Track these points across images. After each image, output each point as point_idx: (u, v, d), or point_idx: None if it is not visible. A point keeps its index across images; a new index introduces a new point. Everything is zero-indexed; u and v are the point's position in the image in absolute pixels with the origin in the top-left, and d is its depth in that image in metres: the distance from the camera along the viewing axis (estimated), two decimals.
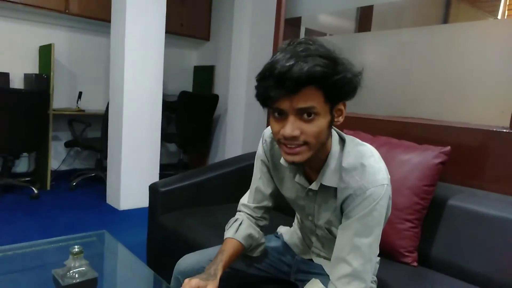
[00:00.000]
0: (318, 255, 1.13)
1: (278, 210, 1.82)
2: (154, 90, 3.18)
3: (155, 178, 3.22)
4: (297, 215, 1.21)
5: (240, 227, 1.09)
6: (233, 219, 1.14)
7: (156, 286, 1.29)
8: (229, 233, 1.09)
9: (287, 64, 0.75)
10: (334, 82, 0.77)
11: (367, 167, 0.86)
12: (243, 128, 3.46)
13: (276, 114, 0.81)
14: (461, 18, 1.87)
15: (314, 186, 0.94)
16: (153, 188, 1.78)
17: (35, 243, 1.55)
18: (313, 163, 0.92)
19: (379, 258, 1.12)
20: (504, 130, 1.48)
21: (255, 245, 1.13)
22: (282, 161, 0.97)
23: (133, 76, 3.03)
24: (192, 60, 4.96)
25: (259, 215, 1.14)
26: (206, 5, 4.54)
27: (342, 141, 0.92)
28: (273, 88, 0.77)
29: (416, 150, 1.44)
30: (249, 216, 1.14)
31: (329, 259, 1.08)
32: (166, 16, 3.15)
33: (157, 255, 1.78)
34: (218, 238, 1.43)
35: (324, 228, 1.00)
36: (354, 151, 0.90)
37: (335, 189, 0.91)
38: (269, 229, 1.30)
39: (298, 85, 0.75)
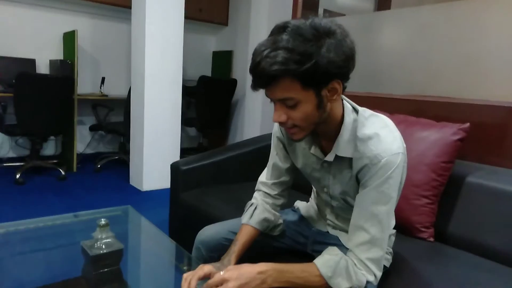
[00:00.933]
0: (334, 227, 1.15)
1: (295, 188, 1.85)
2: (174, 75, 3.24)
3: (176, 157, 3.29)
4: (314, 189, 1.24)
5: (255, 213, 1.12)
6: (249, 203, 1.17)
7: (178, 256, 1.34)
8: (244, 219, 1.13)
9: (257, 59, 0.78)
10: (306, 70, 0.76)
11: (382, 137, 0.87)
12: (261, 112, 3.48)
13: (270, 101, 0.87)
14: None
15: (329, 157, 0.96)
16: (174, 167, 1.84)
17: (64, 216, 1.62)
18: (327, 134, 0.94)
19: (395, 230, 1.15)
20: None
21: (272, 226, 1.16)
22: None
23: (154, 61, 3.09)
24: (211, 45, 4.98)
25: (277, 193, 1.17)
26: None
27: (356, 111, 0.94)
28: (253, 81, 0.82)
29: (434, 127, 1.44)
30: (267, 196, 1.17)
31: (345, 231, 1.11)
32: (185, 1, 3.18)
33: (178, 230, 1.84)
34: (236, 212, 1.47)
35: (340, 198, 1.02)
36: (368, 121, 0.91)
37: (350, 159, 0.92)
38: (286, 205, 1.34)
39: (268, 80, 0.79)
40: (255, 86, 0.82)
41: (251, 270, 0.84)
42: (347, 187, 0.98)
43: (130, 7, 3.23)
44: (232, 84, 4.21)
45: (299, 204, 1.30)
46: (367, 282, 0.87)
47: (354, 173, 0.92)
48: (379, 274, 0.89)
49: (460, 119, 1.46)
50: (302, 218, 1.24)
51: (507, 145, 1.49)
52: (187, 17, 3.40)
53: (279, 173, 1.15)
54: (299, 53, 0.76)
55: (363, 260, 0.87)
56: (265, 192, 1.17)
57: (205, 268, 0.93)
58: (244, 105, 4.13)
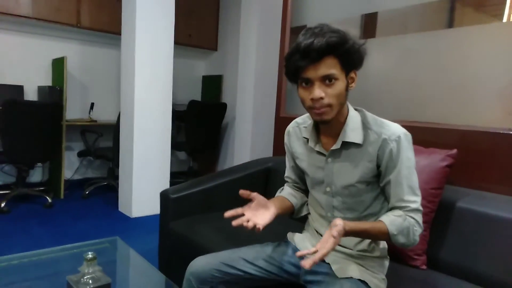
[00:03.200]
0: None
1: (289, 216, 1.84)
2: (164, 99, 3.24)
3: (166, 185, 3.26)
4: (311, 210, 1.26)
5: (284, 190, 1.32)
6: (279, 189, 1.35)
7: None
8: (276, 195, 1.31)
9: (309, 40, 0.95)
10: (347, 50, 0.97)
11: (388, 122, 1.07)
12: (251, 135, 3.49)
13: (304, 84, 1.01)
14: (466, 22, 1.87)
15: (336, 146, 1.09)
16: (164, 195, 1.81)
17: (49, 250, 1.58)
18: (333, 127, 1.09)
19: (388, 257, 1.17)
20: (511, 132, 1.48)
21: (299, 204, 1.29)
22: (304, 134, 1.19)
23: (144, 86, 3.10)
24: (201, 70, 5.03)
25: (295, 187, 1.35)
26: (214, 16, 4.62)
27: (358, 110, 1.12)
28: (301, 59, 0.97)
29: (422, 154, 1.45)
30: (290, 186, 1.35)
31: (340, 252, 1.13)
32: (175, 27, 3.22)
33: (168, 261, 1.80)
34: (228, 243, 1.46)
35: (343, 191, 1.11)
36: (370, 114, 1.11)
37: (356, 146, 1.06)
38: (279, 236, 1.33)
39: (319, 54, 0.95)
40: (307, 61, 0.96)
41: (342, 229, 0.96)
42: (352, 174, 1.08)
43: (119, 33, 3.26)
44: (222, 108, 4.23)
45: (292, 235, 1.29)
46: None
47: (374, 152, 1.05)
48: (421, 231, 1.05)
49: (448, 145, 1.48)
50: (294, 249, 1.22)
51: (494, 171, 1.51)
52: (177, 42, 3.44)
53: (292, 181, 1.35)
54: (340, 36, 0.96)
55: (417, 220, 1.04)
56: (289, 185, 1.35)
57: (259, 197, 1.12)
58: (234, 129, 4.15)
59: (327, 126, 1.10)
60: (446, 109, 1.74)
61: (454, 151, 1.42)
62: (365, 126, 1.07)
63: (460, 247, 1.35)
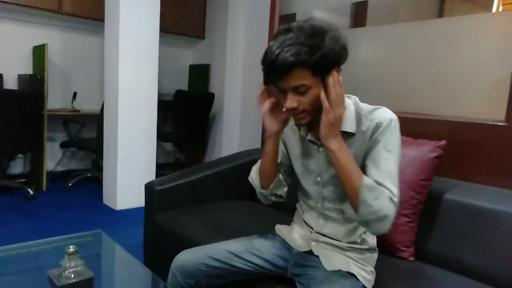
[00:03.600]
0: (318, 242, 1.13)
1: (277, 208, 1.83)
2: (150, 89, 3.17)
3: (152, 177, 3.21)
4: (300, 202, 1.23)
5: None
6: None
7: (153, 285, 1.29)
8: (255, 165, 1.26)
9: (274, 55, 0.94)
10: (315, 60, 0.93)
11: (382, 108, 1.06)
12: (239, 126, 3.46)
13: (279, 92, 1.01)
14: (456, 12, 1.86)
15: None
16: (149, 187, 1.77)
17: (30, 244, 1.54)
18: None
19: (377, 249, 1.16)
20: (500, 124, 1.48)
21: (277, 182, 1.21)
22: (290, 125, 1.18)
23: (128, 75, 3.02)
24: (188, 59, 4.94)
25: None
26: (201, 3, 4.53)
27: (348, 96, 1.09)
28: (268, 73, 0.98)
29: (411, 145, 1.44)
30: None
31: (328, 244, 1.12)
32: (160, 14, 3.14)
33: (154, 254, 1.77)
34: (215, 236, 1.43)
35: (334, 181, 1.09)
36: (364, 103, 1.09)
37: (348, 135, 1.04)
38: (266, 228, 1.31)
39: (285, 70, 0.94)
40: (271, 79, 0.98)
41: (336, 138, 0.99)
42: None
43: (102, 20, 3.16)
44: (210, 98, 4.17)
45: (281, 227, 1.27)
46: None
47: (367, 138, 1.03)
48: (394, 212, 0.98)
49: (436, 136, 1.48)
50: (282, 242, 1.21)
51: (482, 162, 1.51)
52: (163, 30, 3.36)
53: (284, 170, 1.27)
54: (308, 46, 0.92)
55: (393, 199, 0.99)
56: None
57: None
58: (222, 119, 4.10)
59: (319, 116, 1.07)
60: (435, 100, 1.74)
61: (443, 142, 1.41)
62: (358, 114, 1.05)
63: (448, 238, 1.36)
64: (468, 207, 1.33)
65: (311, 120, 1.03)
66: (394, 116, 1.03)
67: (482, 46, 1.61)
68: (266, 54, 0.96)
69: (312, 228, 1.16)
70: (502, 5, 1.86)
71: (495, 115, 1.53)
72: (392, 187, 0.98)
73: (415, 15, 1.91)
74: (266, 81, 1.01)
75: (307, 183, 1.16)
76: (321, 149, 1.10)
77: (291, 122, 1.21)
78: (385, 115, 1.03)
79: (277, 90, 1.02)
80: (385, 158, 1.00)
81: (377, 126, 1.02)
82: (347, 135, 1.04)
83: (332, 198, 1.11)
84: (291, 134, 1.21)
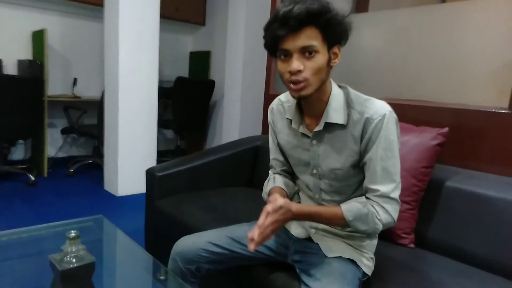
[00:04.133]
0: (317, 230, 1.13)
1: None
2: (150, 76, 3.15)
3: (152, 164, 3.19)
4: (300, 186, 1.22)
5: (276, 179, 1.21)
6: (267, 180, 1.26)
7: (154, 270, 1.29)
8: (269, 186, 1.21)
9: (289, 7, 0.89)
10: (329, 20, 0.90)
11: (372, 100, 1.00)
12: (240, 113, 3.44)
13: (282, 56, 0.94)
14: None
15: (318, 127, 1.03)
16: (150, 173, 1.77)
17: (31, 229, 1.54)
18: (316, 108, 1.03)
19: (377, 236, 1.15)
20: (503, 111, 1.47)
21: (292, 192, 1.22)
22: (287, 115, 1.11)
23: (128, 62, 2.99)
24: (188, 45, 4.89)
25: (284, 174, 1.26)
26: None
27: (342, 87, 1.05)
28: (279, 28, 0.90)
29: (413, 132, 1.43)
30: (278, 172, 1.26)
31: (328, 232, 1.12)
32: (161, 0, 3.09)
33: (155, 240, 1.78)
34: (215, 222, 1.44)
35: (330, 174, 1.06)
36: (357, 92, 1.04)
37: (339, 127, 1.01)
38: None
39: (300, 24, 0.89)
40: (281, 33, 0.90)
41: (286, 210, 0.97)
42: (337, 158, 1.03)
43: (102, 5, 3.12)
44: (210, 85, 4.14)
45: None
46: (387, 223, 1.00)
47: (358, 134, 0.99)
48: (396, 217, 1.00)
49: (439, 123, 1.47)
50: (282, 229, 1.20)
51: (484, 150, 1.51)
52: (163, 16, 3.31)
53: (280, 164, 1.25)
54: (322, 6, 0.90)
55: (385, 208, 0.98)
56: (276, 173, 1.26)
57: (279, 201, 0.98)
58: (222, 106, 4.08)
59: (309, 106, 1.04)
60: (438, 87, 1.72)
61: (446, 129, 1.40)
62: (349, 105, 1.01)
63: (448, 226, 1.36)
64: (469, 195, 1.33)
65: (313, 92, 0.96)
66: (387, 109, 0.97)
67: (486, 32, 1.59)
68: (277, 10, 0.91)
69: None
70: None
71: (498, 102, 1.51)
72: (390, 184, 0.98)
73: (418, 0, 1.88)
74: (272, 40, 0.93)
75: (303, 174, 1.15)
76: (314, 141, 1.06)
77: (276, 107, 1.19)
78: (377, 108, 0.97)
79: (279, 56, 0.95)
80: (382, 158, 0.97)
81: (368, 121, 0.97)
82: (338, 127, 1.01)
83: (330, 190, 1.09)
84: (280, 121, 1.17)
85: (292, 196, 1.23)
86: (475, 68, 1.61)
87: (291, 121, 1.10)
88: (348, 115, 1.00)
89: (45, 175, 3.43)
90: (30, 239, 1.50)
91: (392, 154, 0.98)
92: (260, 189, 1.96)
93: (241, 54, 3.44)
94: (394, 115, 0.99)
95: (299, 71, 0.92)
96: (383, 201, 0.98)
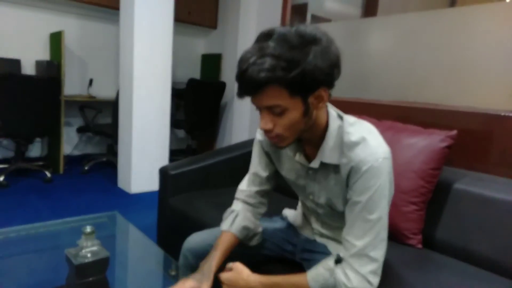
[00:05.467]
0: (321, 235, 1.15)
1: (284, 193, 1.85)
2: (163, 77, 3.21)
3: (165, 163, 3.26)
4: (300, 202, 1.23)
5: (236, 220, 1.12)
6: (229, 209, 1.17)
7: (166, 265, 1.32)
8: (225, 225, 1.13)
9: (244, 66, 0.77)
10: (293, 78, 0.76)
11: (368, 142, 0.87)
12: (250, 114, 3.47)
13: (256, 109, 0.86)
14: (469, 1, 1.83)
15: (314, 164, 0.95)
16: (163, 171, 1.82)
17: (48, 224, 1.58)
18: (311, 141, 0.95)
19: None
20: (511, 115, 1.47)
21: (251, 235, 1.16)
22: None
23: (142, 63, 3.05)
24: (200, 48, 4.96)
25: (258, 201, 1.16)
26: None
27: (340, 118, 0.94)
28: (239, 88, 0.81)
29: (422, 134, 1.45)
30: (247, 204, 1.16)
31: (332, 239, 1.11)
32: (174, 4, 3.15)
33: (166, 236, 1.82)
34: None
35: (326, 205, 1.01)
36: (354, 127, 0.91)
37: (336, 166, 0.92)
38: (275, 211, 1.33)
39: (256, 86, 0.78)
40: (242, 93, 0.82)
41: (243, 283, 0.94)
42: (333, 194, 0.97)
43: (118, 9, 3.19)
44: (221, 87, 4.19)
45: (287, 212, 1.29)
46: None
47: (344, 178, 0.91)
48: (376, 281, 0.87)
49: (447, 126, 1.47)
50: (290, 226, 1.23)
51: (492, 152, 1.51)
52: (176, 19, 3.37)
53: (260, 181, 1.15)
54: (286, 60, 0.75)
55: (358, 271, 0.86)
56: (246, 201, 1.16)
57: (187, 285, 0.95)
58: (232, 108, 4.12)
59: (305, 138, 0.95)
60: (446, 90, 1.73)
61: (454, 132, 1.41)
62: (340, 146, 0.90)
63: (456, 227, 1.36)
64: (477, 197, 1.33)
65: (292, 142, 0.89)
66: (378, 156, 0.85)
67: (495, 36, 1.59)
68: (238, 63, 0.80)
69: (312, 225, 1.16)
70: None
71: (507, 105, 1.51)
72: (365, 243, 0.85)
73: (427, 4, 1.89)
74: (239, 94, 0.83)
75: (301, 195, 1.12)
76: (310, 171, 0.99)
77: (265, 138, 1.10)
78: (365, 155, 0.85)
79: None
80: (365, 208, 0.86)
81: (354, 170, 0.87)
82: (333, 167, 0.92)
83: (328, 216, 1.06)
84: (271, 146, 1.09)
85: (250, 238, 1.17)
86: (484, 72, 1.61)
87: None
88: (340, 156, 0.91)
89: (61, 172, 3.52)
90: (47, 233, 1.54)
91: (376, 206, 0.86)
92: None
93: None
94: (386, 162, 0.86)
95: (269, 130, 0.85)
96: (358, 262, 0.86)
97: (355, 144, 0.87)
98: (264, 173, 1.14)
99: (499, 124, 1.49)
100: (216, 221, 1.45)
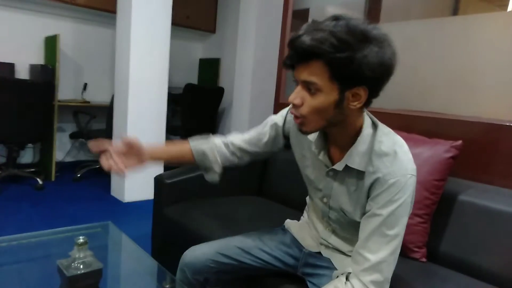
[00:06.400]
0: (327, 246, 1.11)
1: (286, 204, 1.82)
2: (160, 82, 3.17)
3: (160, 170, 3.20)
4: (309, 201, 1.19)
5: (203, 141, 1.15)
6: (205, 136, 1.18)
7: (160, 277, 1.28)
8: (191, 140, 1.15)
9: (300, 32, 0.79)
10: (339, 59, 0.76)
11: (399, 155, 0.86)
12: (248, 121, 3.44)
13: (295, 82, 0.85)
14: (471, 10, 1.83)
15: (338, 166, 0.93)
16: (158, 180, 1.77)
17: (40, 233, 1.55)
18: (340, 141, 0.93)
19: None
20: None
21: (206, 165, 1.15)
22: (310, 136, 1.00)
23: (139, 68, 3.01)
24: (198, 52, 4.93)
25: (232, 150, 1.15)
26: None
27: (375, 126, 0.92)
28: (287, 56, 0.82)
29: (426, 144, 1.42)
30: (222, 143, 1.15)
31: (338, 250, 1.08)
32: (172, 7, 3.12)
33: (161, 247, 1.77)
34: (223, 230, 1.43)
35: (339, 210, 0.99)
36: (387, 137, 0.89)
37: (358, 172, 0.90)
38: (276, 223, 1.29)
39: (301, 56, 0.79)
40: (290, 60, 0.82)
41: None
42: (349, 201, 0.95)
43: (115, 12, 3.16)
44: (219, 92, 4.16)
45: (290, 223, 1.25)
46: None
47: (366, 187, 0.89)
48: None
49: (451, 136, 1.45)
50: (292, 239, 1.19)
51: (498, 163, 1.48)
52: (174, 23, 3.35)
53: (251, 146, 1.15)
54: (339, 40, 0.75)
55: (367, 284, 0.84)
56: (224, 142, 1.16)
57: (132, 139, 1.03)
58: (230, 114, 4.09)
59: (332, 136, 0.94)
60: (449, 99, 1.71)
61: (459, 142, 1.38)
62: (370, 153, 0.88)
63: (461, 240, 1.33)
64: (483, 209, 1.30)
65: (315, 131, 0.88)
66: (406, 172, 0.84)
67: (498, 45, 1.58)
68: (299, 30, 0.81)
69: (319, 233, 1.13)
70: None
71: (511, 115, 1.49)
72: (376, 260, 0.83)
73: (430, 12, 1.88)
74: (285, 62, 0.84)
75: (314, 196, 1.10)
76: (331, 173, 0.97)
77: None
78: (394, 169, 0.83)
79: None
80: (382, 224, 0.84)
81: (379, 181, 0.85)
82: (357, 172, 0.90)
83: (337, 222, 1.03)
84: (296, 138, 1.09)
85: (206, 169, 1.16)
86: (488, 80, 1.60)
87: (311, 142, 1.02)
88: (367, 164, 0.88)
89: (53, 179, 3.45)
90: (39, 243, 1.51)
91: (397, 222, 0.84)
92: (269, 197, 1.95)
93: (251, 62, 3.45)
94: (411, 181, 0.85)
95: (295, 105, 0.84)
96: (369, 277, 0.84)
97: (385, 154, 0.86)
98: (252, 148, 1.14)
99: (504, 135, 1.47)
100: (213, 233, 1.42)
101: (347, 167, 0.91)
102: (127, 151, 1.06)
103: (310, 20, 0.82)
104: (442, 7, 1.90)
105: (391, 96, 1.91)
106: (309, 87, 0.81)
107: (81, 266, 1.05)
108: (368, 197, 0.89)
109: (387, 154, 0.86)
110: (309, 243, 1.15)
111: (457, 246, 1.34)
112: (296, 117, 0.86)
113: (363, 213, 0.91)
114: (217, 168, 1.16)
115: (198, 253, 1.15)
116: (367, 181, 0.88)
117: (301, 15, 2.44)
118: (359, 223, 0.93)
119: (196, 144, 1.14)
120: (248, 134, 1.17)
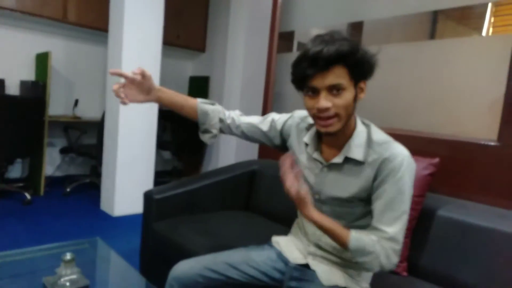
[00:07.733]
0: (314, 255, 1.14)
1: (273, 219, 1.85)
2: None
3: (150, 185, 3.22)
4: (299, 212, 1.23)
5: (210, 103, 1.28)
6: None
7: None
8: (200, 99, 1.28)
9: (318, 47, 0.92)
10: (357, 60, 0.93)
11: (395, 143, 1.02)
12: (236, 138, 3.49)
13: (310, 93, 0.98)
14: (447, 34, 1.92)
15: (337, 159, 1.05)
16: (147, 196, 1.79)
17: (26, 250, 1.53)
18: (339, 139, 1.05)
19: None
20: (492, 143, 1.51)
21: (206, 126, 1.28)
22: (305, 138, 1.14)
23: None
24: (188, 70, 5.00)
25: (233, 123, 1.30)
26: (202, 17, 4.60)
27: (366, 124, 1.08)
28: (308, 67, 0.94)
29: None
30: (226, 114, 1.30)
31: (326, 259, 1.12)
32: (163, 27, 3.19)
33: (150, 262, 1.77)
34: (212, 246, 1.45)
35: (332, 201, 1.09)
36: (380, 132, 1.06)
37: (356, 162, 1.02)
38: (264, 240, 1.33)
39: (328, 63, 0.92)
40: (313, 69, 0.93)
41: (311, 212, 1.01)
42: (347, 190, 1.05)
43: (106, 31, 3.21)
44: None
45: (278, 238, 1.28)
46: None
47: (371, 174, 1.01)
48: (396, 261, 0.99)
49: (430, 154, 1.51)
50: (279, 254, 1.22)
51: (474, 181, 1.54)
52: (165, 42, 3.41)
53: (249, 131, 1.29)
54: (352, 45, 0.93)
55: (390, 255, 0.97)
56: (228, 114, 1.31)
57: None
58: None
59: (331, 137, 1.06)
60: (427, 119, 1.78)
61: (437, 160, 1.45)
62: (369, 144, 1.03)
63: (440, 254, 1.37)
64: (460, 224, 1.35)
65: (341, 127, 0.99)
66: (406, 154, 0.99)
67: (474, 68, 1.66)
68: (306, 50, 0.94)
69: (308, 236, 1.17)
70: (493, 27, 1.92)
71: (488, 134, 1.56)
72: (395, 229, 0.97)
73: (409, 36, 1.96)
74: (301, 78, 0.97)
75: None
76: (325, 169, 1.09)
77: (295, 120, 1.23)
78: (396, 151, 0.99)
79: (306, 92, 0.99)
80: (392, 200, 0.98)
81: (385, 161, 0.99)
82: (354, 162, 1.03)
83: (331, 215, 1.08)
84: (296, 137, 1.20)
85: (204, 130, 1.29)
86: (465, 101, 1.67)
87: (306, 144, 1.14)
88: (366, 154, 1.02)
89: (42, 194, 3.42)
90: (25, 260, 1.49)
91: (403, 197, 0.98)
92: (256, 213, 1.98)
93: (239, 81, 3.52)
94: (412, 161, 1.00)
95: (327, 109, 0.96)
96: (390, 246, 0.97)
97: (384, 142, 1.02)
98: (255, 135, 1.29)
99: (480, 153, 1.53)
100: (202, 249, 1.44)
101: (346, 159, 1.04)
102: (139, 83, 1.19)
103: (296, 41, 0.95)
104: (420, 31, 1.99)
105: (374, 115, 1.98)
106: (336, 88, 0.95)
107: (68, 284, 1.05)
108: (374, 180, 1.01)
109: (386, 141, 1.02)
110: (296, 256, 1.18)
111: (437, 260, 1.38)
112: (328, 118, 0.97)
113: (360, 199, 1.04)
114: (214, 131, 1.29)
115: (186, 268, 1.17)
116: (373, 166, 1.01)
117: (286, 36, 2.52)
118: (355, 208, 1.06)
119: (203, 103, 1.27)
120: (250, 119, 1.31)
